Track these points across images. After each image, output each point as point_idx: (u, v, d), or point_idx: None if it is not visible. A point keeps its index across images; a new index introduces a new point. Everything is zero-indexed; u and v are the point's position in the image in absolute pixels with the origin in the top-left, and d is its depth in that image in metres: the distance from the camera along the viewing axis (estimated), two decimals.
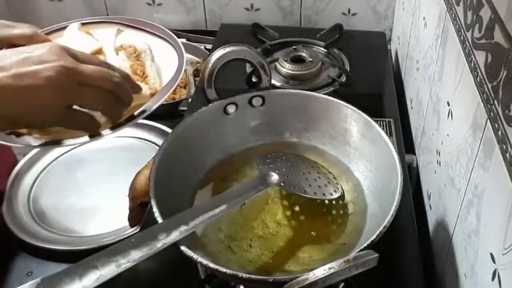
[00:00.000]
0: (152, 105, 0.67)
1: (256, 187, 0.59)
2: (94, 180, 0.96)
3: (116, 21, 0.87)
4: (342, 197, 0.64)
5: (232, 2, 1.33)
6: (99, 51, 0.78)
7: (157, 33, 0.83)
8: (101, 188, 0.94)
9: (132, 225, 0.82)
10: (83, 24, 0.85)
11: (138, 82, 0.71)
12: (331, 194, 0.62)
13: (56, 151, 1.02)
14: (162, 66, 0.78)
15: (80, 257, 0.81)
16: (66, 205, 0.92)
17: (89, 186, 0.95)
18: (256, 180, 0.60)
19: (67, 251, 0.82)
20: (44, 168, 0.99)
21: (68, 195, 0.93)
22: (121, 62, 0.78)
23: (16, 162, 0.99)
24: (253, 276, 0.49)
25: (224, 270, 0.49)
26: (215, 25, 1.33)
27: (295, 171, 0.63)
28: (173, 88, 0.71)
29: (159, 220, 0.53)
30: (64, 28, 0.84)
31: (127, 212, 0.82)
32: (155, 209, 0.55)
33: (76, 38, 0.82)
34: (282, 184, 0.60)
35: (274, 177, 0.60)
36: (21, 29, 0.75)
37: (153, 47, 0.81)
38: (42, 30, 0.80)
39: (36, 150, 1.00)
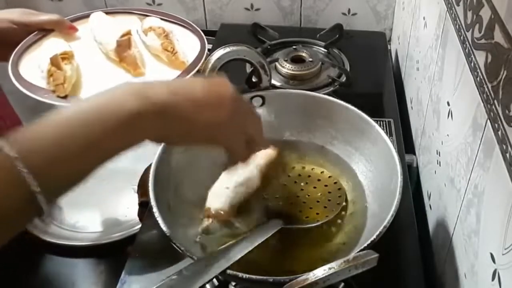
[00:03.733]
0: (185, 75, 0.78)
1: (262, 233, 0.58)
2: (102, 176, 0.95)
3: (136, 12, 0.96)
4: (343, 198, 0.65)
5: (232, 2, 1.33)
6: (128, 33, 0.85)
7: (176, 21, 0.93)
8: (109, 184, 0.94)
9: (141, 220, 0.83)
10: (107, 13, 0.92)
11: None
12: (333, 211, 0.62)
13: None
14: (187, 48, 0.86)
15: (87, 253, 0.82)
16: (74, 201, 0.91)
17: (97, 182, 0.94)
18: (261, 228, 0.59)
19: (74, 246, 0.82)
20: None
21: (76, 191, 0.93)
22: (152, 41, 0.85)
23: None
24: (253, 276, 0.49)
25: (224, 270, 0.49)
26: (215, 25, 1.33)
27: (294, 199, 0.64)
28: (201, 61, 0.81)
29: (159, 219, 0.53)
30: (87, 16, 0.92)
31: (135, 208, 0.82)
32: (155, 209, 0.55)
33: (103, 22, 0.89)
34: (282, 226, 0.59)
35: (277, 222, 0.60)
36: (48, 15, 0.87)
37: (177, 33, 0.89)
38: (67, 18, 0.90)
39: None
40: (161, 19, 0.92)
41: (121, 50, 0.82)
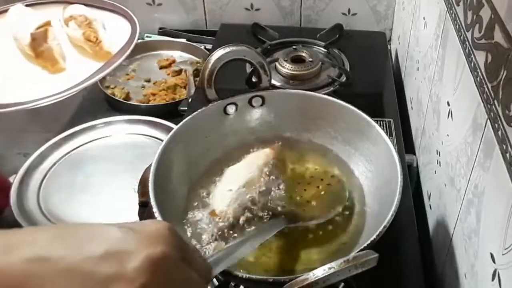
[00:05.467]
0: (108, 67, 0.70)
1: (265, 232, 0.56)
2: (103, 176, 0.96)
3: (60, 0, 0.86)
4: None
5: (232, 2, 1.33)
6: (47, 24, 0.77)
7: (103, 6, 0.85)
8: (109, 184, 0.94)
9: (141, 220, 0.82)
10: (26, 6, 0.84)
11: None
12: (336, 208, 0.62)
13: (65, 148, 1.02)
14: (115, 36, 0.78)
15: None
16: (76, 201, 0.92)
17: (98, 182, 0.95)
18: (263, 228, 0.59)
19: None
20: (54, 165, 0.99)
21: (78, 191, 0.94)
22: (73, 32, 0.78)
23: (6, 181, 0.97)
24: (253, 276, 0.49)
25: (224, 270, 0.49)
26: (215, 25, 1.33)
27: (299, 197, 0.63)
28: (129, 50, 0.73)
29: (159, 219, 0.53)
30: (6, 11, 0.83)
31: (135, 208, 0.82)
32: (155, 209, 0.55)
33: (20, 14, 0.80)
34: (285, 226, 0.59)
35: (280, 221, 0.59)
36: None
37: (104, 20, 0.81)
38: None
39: (45, 146, 1.01)
40: (86, 5, 0.83)
41: (36, 44, 0.73)
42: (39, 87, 0.70)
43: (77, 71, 0.73)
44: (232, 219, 0.61)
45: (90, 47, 0.76)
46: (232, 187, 0.63)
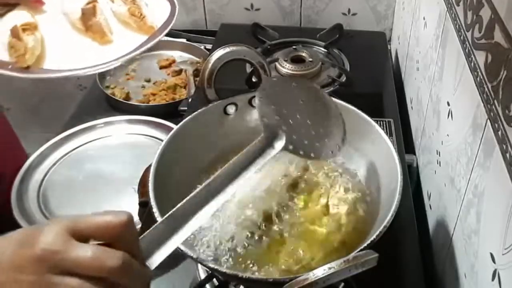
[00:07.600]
0: (152, 40, 0.77)
1: (262, 152, 0.52)
2: (103, 175, 0.97)
3: None
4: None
5: (232, 2, 1.33)
6: (93, 0, 0.83)
7: None
8: (109, 184, 0.94)
9: (141, 220, 0.82)
10: None
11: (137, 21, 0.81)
12: (332, 153, 0.58)
13: (65, 148, 1.02)
14: (156, 12, 0.86)
15: None
16: (76, 201, 0.92)
17: (98, 182, 0.95)
18: (261, 143, 0.53)
19: None
20: (54, 164, 0.99)
21: (78, 191, 0.94)
22: (118, 8, 0.84)
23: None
24: (253, 276, 0.50)
25: (224, 270, 0.49)
26: (215, 25, 1.33)
27: (301, 121, 0.56)
28: (170, 25, 0.82)
29: (159, 220, 0.53)
30: None
31: (135, 208, 0.82)
32: (155, 209, 0.55)
33: None
34: (290, 147, 0.52)
35: (282, 140, 0.52)
36: None
37: None
38: None
39: (45, 146, 1.01)
40: None
41: (86, 19, 0.81)
42: (89, 57, 0.78)
43: (123, 43, 0.80)
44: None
45: (135, 21, 0.83)
46: (252, 202, 0.63)
